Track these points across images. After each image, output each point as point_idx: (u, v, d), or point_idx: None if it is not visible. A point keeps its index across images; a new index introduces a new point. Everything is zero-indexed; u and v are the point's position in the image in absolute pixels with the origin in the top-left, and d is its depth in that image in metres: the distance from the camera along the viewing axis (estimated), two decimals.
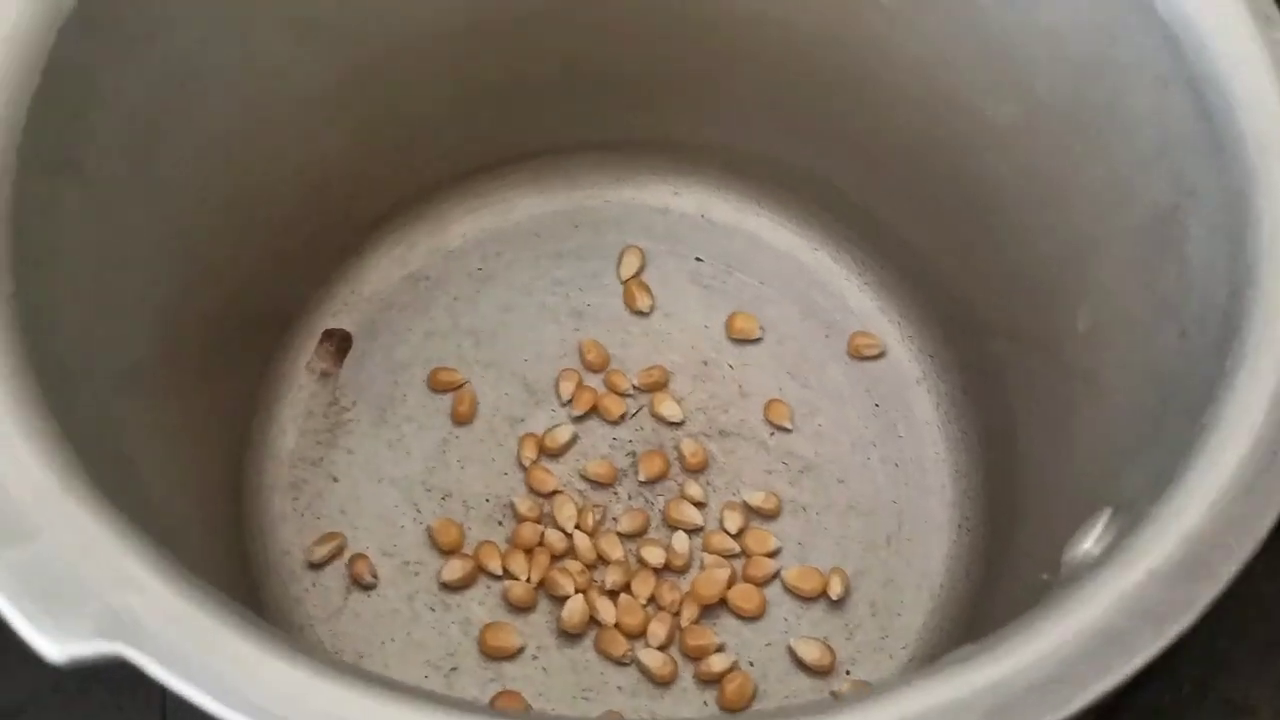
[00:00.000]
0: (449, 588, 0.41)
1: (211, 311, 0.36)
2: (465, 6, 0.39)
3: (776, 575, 0.42)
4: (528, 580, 0.41)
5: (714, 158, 0.47)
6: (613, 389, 0.45)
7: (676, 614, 0.41)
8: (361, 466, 0.43)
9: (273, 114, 0.37)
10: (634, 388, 0.45)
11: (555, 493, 0.42)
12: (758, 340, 0.46)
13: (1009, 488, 0.40)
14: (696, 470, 0.43)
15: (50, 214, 0.27)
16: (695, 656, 0.40)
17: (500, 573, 0.41)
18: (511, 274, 0.47)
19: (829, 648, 0.40)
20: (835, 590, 0.41)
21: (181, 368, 0.34)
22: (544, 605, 0.41)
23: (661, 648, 0.40)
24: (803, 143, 0.45)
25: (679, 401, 0.44)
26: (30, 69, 0.27)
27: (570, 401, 0.44)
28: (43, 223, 0.27)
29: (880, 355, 0.46)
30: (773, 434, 0.44)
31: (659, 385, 0.45)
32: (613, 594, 0.41)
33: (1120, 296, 0.33)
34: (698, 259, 0.48)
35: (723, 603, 0.41)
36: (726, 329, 0.46)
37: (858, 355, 0.46)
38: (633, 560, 0.41)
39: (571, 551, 0.41)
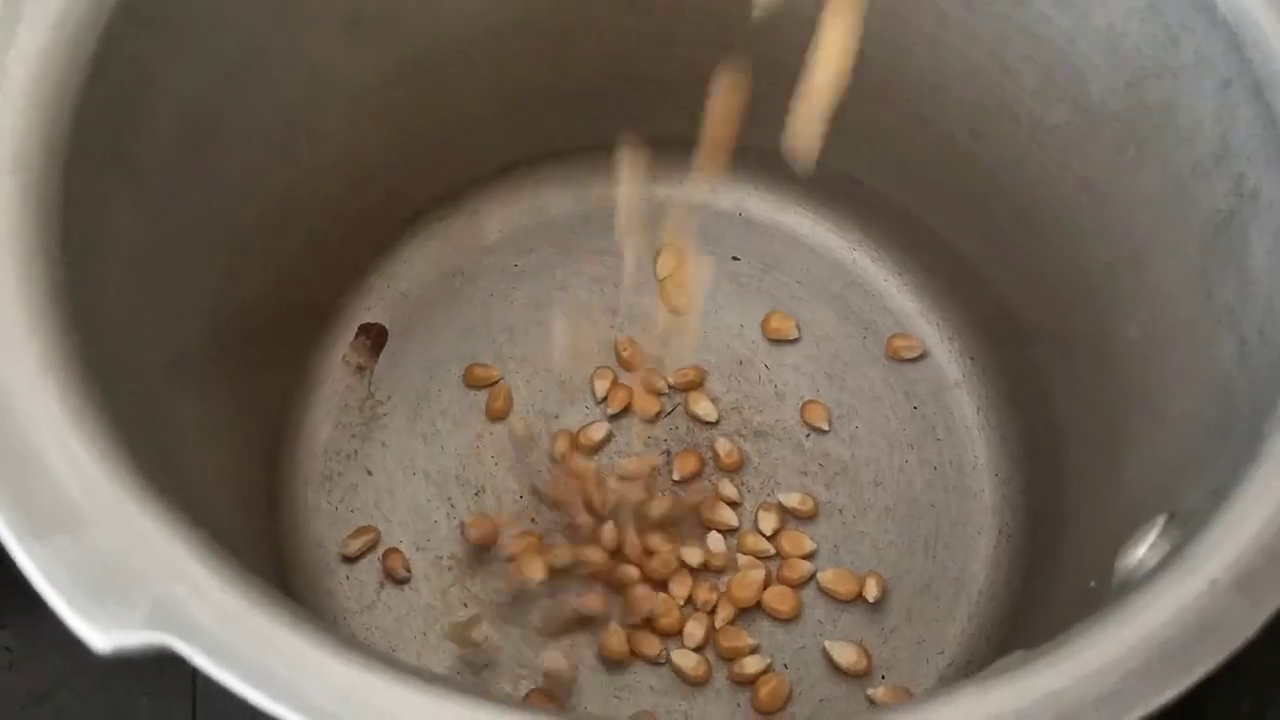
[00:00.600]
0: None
1: (253, 304, 0.36)
2: (509, 5, 0.39)
3: (812, 578, 0.41)
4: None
5: (752, 156, 0.47)
6: (648, 388, 0.44)
7: (712, 613, 0.40)
8: (396, 460, 0.43)
9: (319, 109, 0.36)
10: (669, 386, 0.45)
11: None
12: (794, 341, 0.46)
13: (1054, 494, 0.40)
14: (731, 470, 0.43)
15: (100, 205, 0.27)
16: (729, 658, 0.40)
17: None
18: (547, 271, 0.47)
19: (865, 651, 0.40)
20: (871, 593, 0.41)
21: (224, 359, 0.34)
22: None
23: (697, 649, 0.40)
24: (843, 143, 0.44)
25: (714, 401, 0.44)
26: (77, 59, 0.27)
27: (605, 399, 0.44)
28: (92, 214, 0.27)
29: (920, 357, 0.45)
30: (809, 435, 0.44)
31: (694, 385, 0.45)
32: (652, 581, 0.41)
33: (1176, 304, 0.32)
34: (735, 258, 0.47)
35: (757, 605, 0.41)
36: (763, 329, 0.46)
37: (896, 357, 0.45)
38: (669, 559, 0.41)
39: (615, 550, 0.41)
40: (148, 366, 0.29)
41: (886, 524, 0.42)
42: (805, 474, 0.43)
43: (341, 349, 0.45)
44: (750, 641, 0.40)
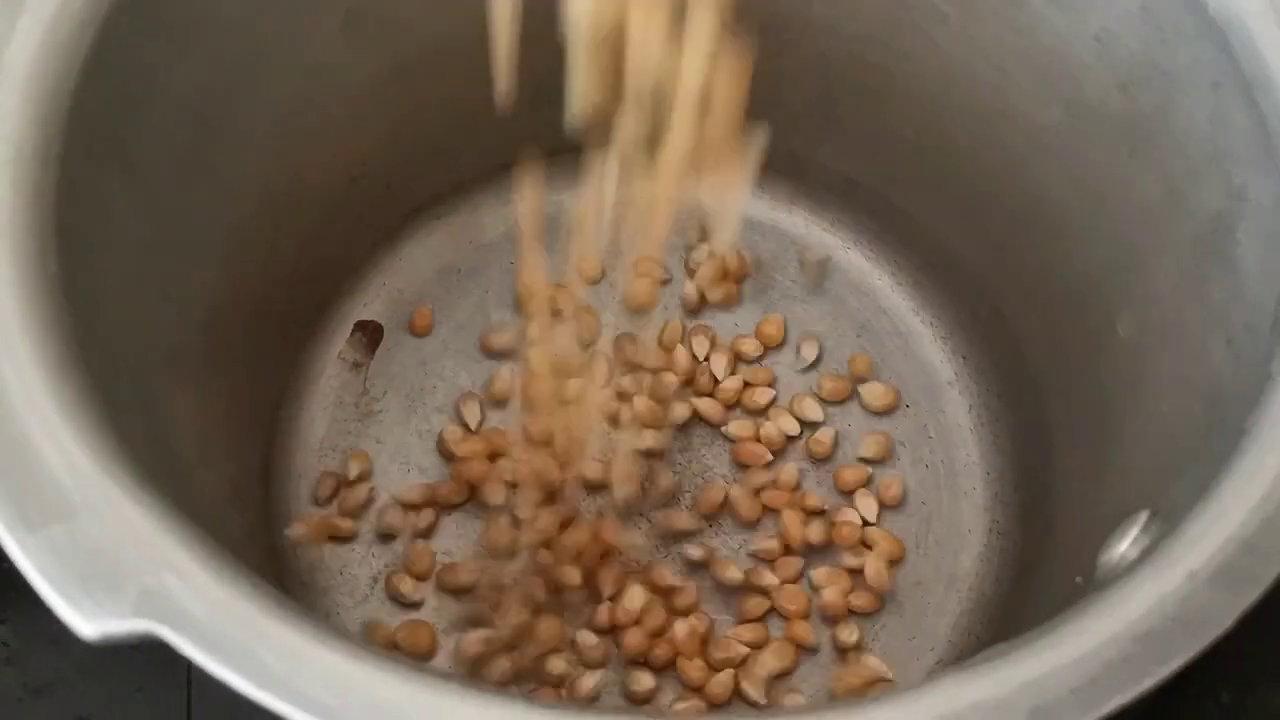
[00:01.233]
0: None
1: (249, 299, 0.37)
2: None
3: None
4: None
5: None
6: (653, 394, 0.44)
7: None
8: (390, 456, 0.43)
9: (318, 106, 0.37)
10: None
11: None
12: (786, 339, 0.46)
13: (1042, 492, 0.40)
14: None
15: (97, 200, 0.28)
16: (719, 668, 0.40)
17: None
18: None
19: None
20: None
21: (220, 355, 0.35)
22: None
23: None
24: (841, 145, 0.45)
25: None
26: (75, 53, 0.27)
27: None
28: (89, 208, 0.27)
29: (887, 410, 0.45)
30: (801, 432, 0.44)
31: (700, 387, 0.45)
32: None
33: (1167, 304, 0.33)
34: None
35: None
36: (755, 328, 0.46)
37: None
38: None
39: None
40: (144, 361, 0.29)
41: (877, 522, 0.42)
42: (798, 471, 0.43)
43: (337, 345, 0.45)
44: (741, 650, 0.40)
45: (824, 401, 0.44)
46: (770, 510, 0.42)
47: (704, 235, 0.46)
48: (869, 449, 0.43)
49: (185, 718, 0.40)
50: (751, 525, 0.42)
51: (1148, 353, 0.34)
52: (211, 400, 0.35)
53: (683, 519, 0.41)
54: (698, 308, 0.46)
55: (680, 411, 0.43)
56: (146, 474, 0.24)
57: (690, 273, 0.46)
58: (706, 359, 0.44)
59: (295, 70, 0.35)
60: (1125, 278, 0.35)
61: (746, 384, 0.44)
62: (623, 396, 0.43)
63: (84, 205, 0.27)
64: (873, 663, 0.39)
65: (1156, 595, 0.22)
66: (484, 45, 0.40)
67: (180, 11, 0.31)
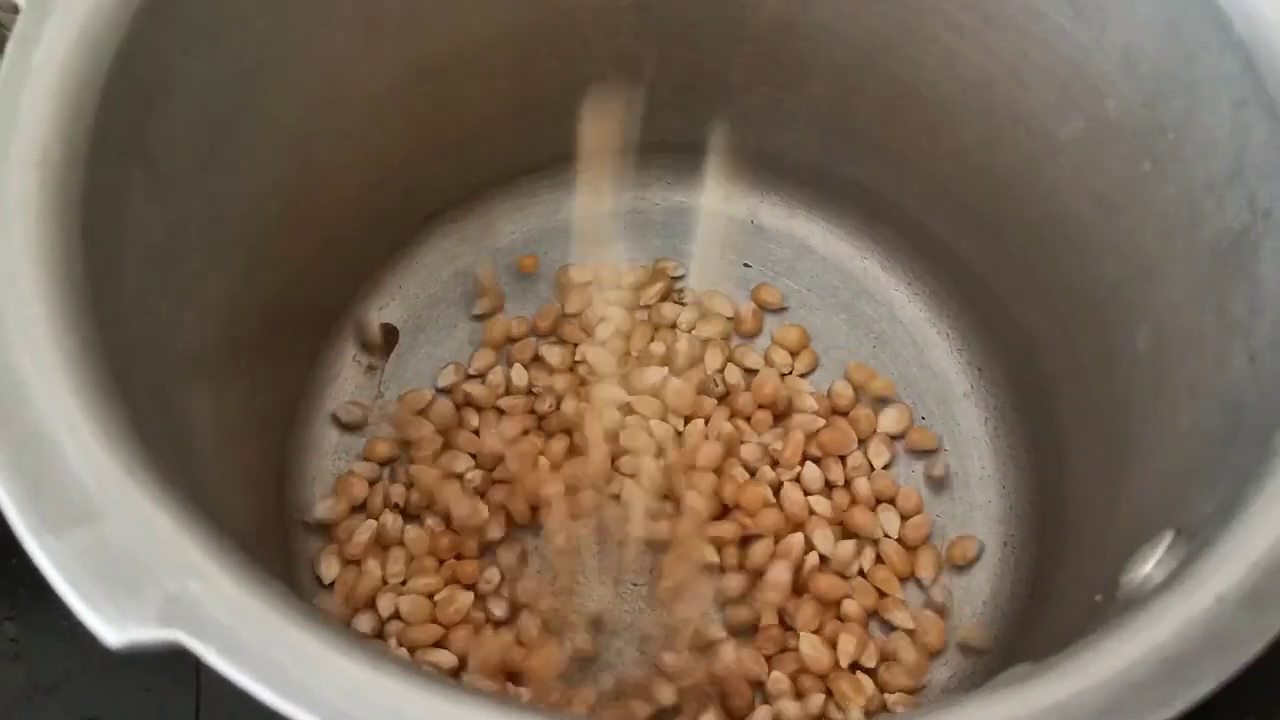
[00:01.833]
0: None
1: (267, 300, 0.36)
2: (529, 11, 0.39)
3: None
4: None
5: (766, 163, 0.47)
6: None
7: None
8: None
9: (336, 108, 0.37)
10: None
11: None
12: (804, 348, 0.46)
13: (1059, 506, 0.40)
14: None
15: (120, 201, 0.27)
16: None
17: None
18: (558, 274, 0.47)
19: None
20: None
21: (237, 356, 0.34)
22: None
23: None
24: (858, 153, 0.44)
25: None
26: (103, 54, 0.27)
27: None
28: (112, 209, 0.27)
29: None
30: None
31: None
32: None
33: (1187, 318, 0.32)
34: (745, 264, 0.47)
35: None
36: (772, 339, 0.46)
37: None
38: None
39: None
40: (164, 362, 0.29)
41: None
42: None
43: (353, 348, 0.45)
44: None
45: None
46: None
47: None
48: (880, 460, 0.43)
49: (194, 717, 0.40)
50: None
51: (1164, 366, 0.34)
52: (229, 401, 0.35)
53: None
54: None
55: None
56: (167, 476, 0.24)
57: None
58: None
59: (316, 74, 0.35)
60: (1142, 290, 0.35)
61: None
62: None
63: (107, 207, 0.27)
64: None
65: (1184, 618, 0.22)
66: (501, 51, 0.40)
67: (204, 13, 0.31)
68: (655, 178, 0.48)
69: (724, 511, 0.41)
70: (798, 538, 0.41)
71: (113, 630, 0.21)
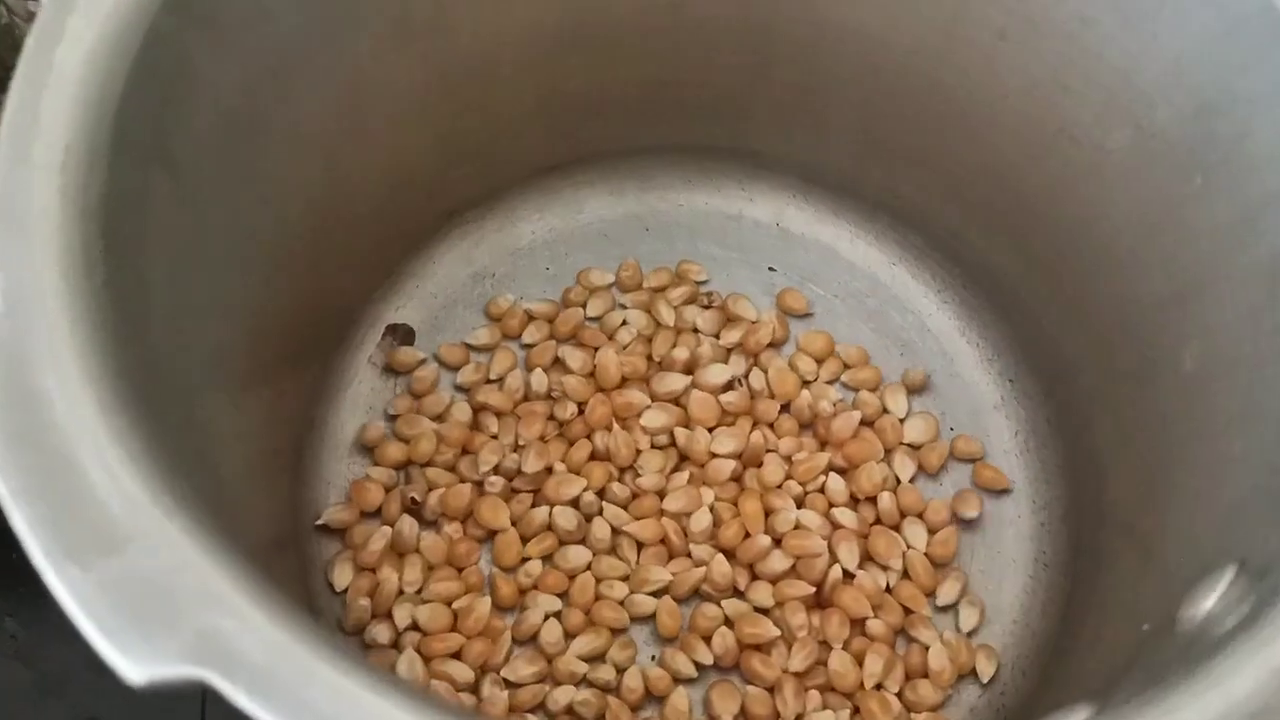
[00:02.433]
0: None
1: (289, 303, 0.35)
2: (557, 13, 0.38)
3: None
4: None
5: (793, 167, 0.46)
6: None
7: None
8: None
9: (361, 111, 0.36)
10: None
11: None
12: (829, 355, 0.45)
13: (1094, 526, 0.39)
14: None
15: (141, 204, 0.26)
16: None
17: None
18: (580, 275, 0.46)
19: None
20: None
21: (258, 357, 0.33)
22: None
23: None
24: (889, 160, 0.43)
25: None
26: (125, 54, 0.26)
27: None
28: (134, 212, 0.26)
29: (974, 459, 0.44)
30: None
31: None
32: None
33: (1237, 338, 0.31)
34: (770, 269, 0.46)
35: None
36: (797, 345, 0.45)
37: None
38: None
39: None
40: (185, 369, 0.28)
41: None
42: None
43: (369, 349, 0.44)
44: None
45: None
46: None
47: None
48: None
49: (199, 715, 0.39)
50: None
51: (1212, 387, 0.33)
52: (248, 407, 0.34)
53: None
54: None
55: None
56: (190, 494, 0.23)
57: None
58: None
59: (341, 76, 0.34)
60: (1189, 308, 0.34)
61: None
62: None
63: (129, 212, 0.26)
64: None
65: (1268, 667, 0.21)
66: (527, 51, 0.39)
67: (227, 13, 0.29)
68: (681, 179, 0.47)
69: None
70: (822, 552, 0.40)
71: (136, 668, 0.20)
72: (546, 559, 0.40)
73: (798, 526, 0.40)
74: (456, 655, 0.38)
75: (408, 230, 0.44)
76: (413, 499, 0.41)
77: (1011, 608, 0.41)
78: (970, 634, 0.40)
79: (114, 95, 0.25)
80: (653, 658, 0.39)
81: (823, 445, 0.42)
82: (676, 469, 0.42)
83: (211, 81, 0.29)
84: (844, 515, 0.41)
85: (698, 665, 0.39)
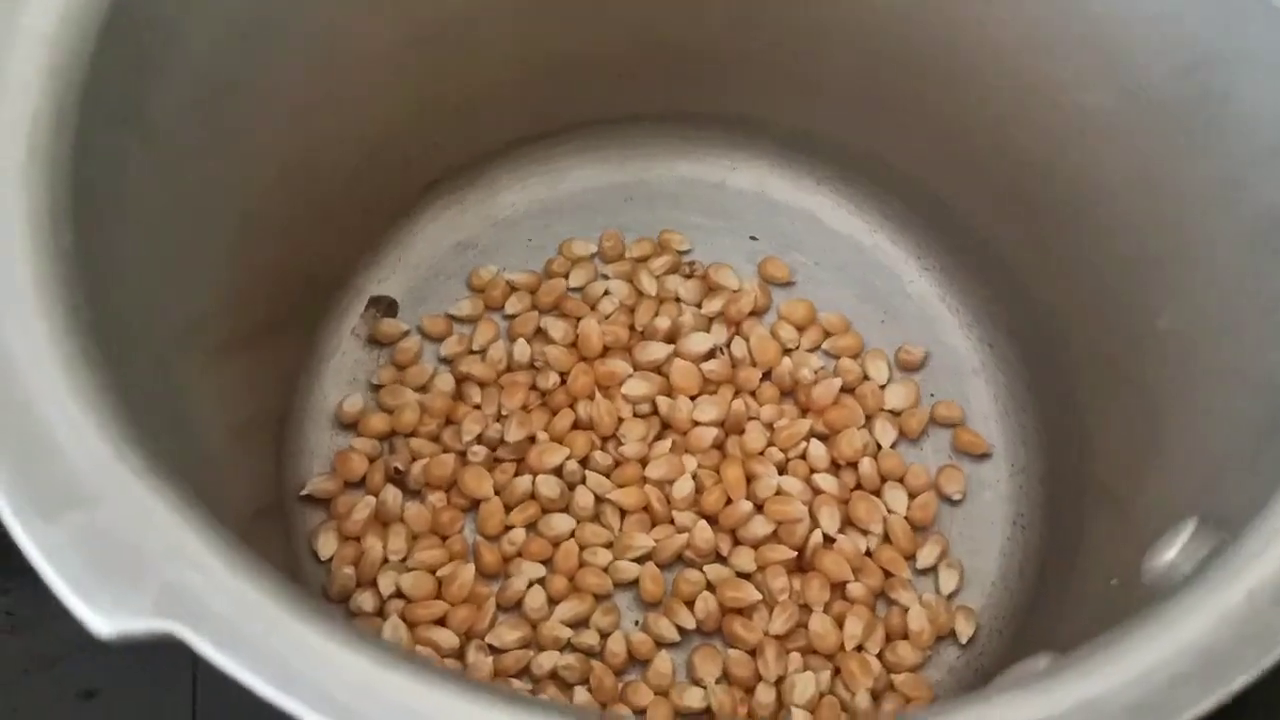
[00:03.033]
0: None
1: (266, 272, 0.36)
2: None
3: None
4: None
5: (774, 134, 0.46)
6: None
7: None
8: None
9: (337, 73, 0.35)
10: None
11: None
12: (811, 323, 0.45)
13: (1075, 488, 0.39)
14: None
15: (113, 168, 0.26)
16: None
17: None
18: (562, 245, 0.46)
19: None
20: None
21: (236, 328, 0.34)
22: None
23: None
24: (873, 124, 0.43)
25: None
26: (93, 15, 0.26)
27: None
28: (106, 175, 0.26)
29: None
30: None
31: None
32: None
33: (1222, 300, 0.31)
34: (753, 237, 0.46)
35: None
36: (779, 313, 0.45)
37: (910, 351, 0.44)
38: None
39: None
40: (159, 334, 0.28)
41: None
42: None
43: (352, 320, 0.44)
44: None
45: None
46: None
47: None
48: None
49: (190, 690, 0.39)
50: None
51: (1194, 347, 0.33)
52: (227, 375, 0.34)
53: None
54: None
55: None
56: (163, 456, 0.23)
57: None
58: None
59: (314, 36, 0.34)
60: (1174, 270, 0.34)
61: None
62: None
63: (100, 175, 0.26)
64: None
65: (1217, 612, 0.22)
66: (504, 13, 0.39)
67: None
68: (663, 148, 0.47)
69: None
70: (803, 517, 0.40)
71: (104, 620, 0.20)
72: (530, 527, 0.40)
73: (779, 492, 0.40)
74: (441, 622, 0.39)
75: (389, 201, 0.44)
76: (396, 469, 0.41)
77: (990, 569, 0.41)
78: (950, 596, 0.40)
79: (85, 58, 0.26)
80: (636, 623, 0.40)
81: (804, 412, 0.42)
82: (659, 437, 0.42)
83: (185, 44, 0.29)
84: (825, 481, 0.41)
85: (681, 630, 0.39)
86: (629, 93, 0.44)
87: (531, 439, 0.41)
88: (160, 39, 0.28)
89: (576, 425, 0.42)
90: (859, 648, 0.38)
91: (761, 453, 0.41)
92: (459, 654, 0.38)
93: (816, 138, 0.45)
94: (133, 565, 0.21)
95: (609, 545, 0.40)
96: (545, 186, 0.47)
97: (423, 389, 0.43)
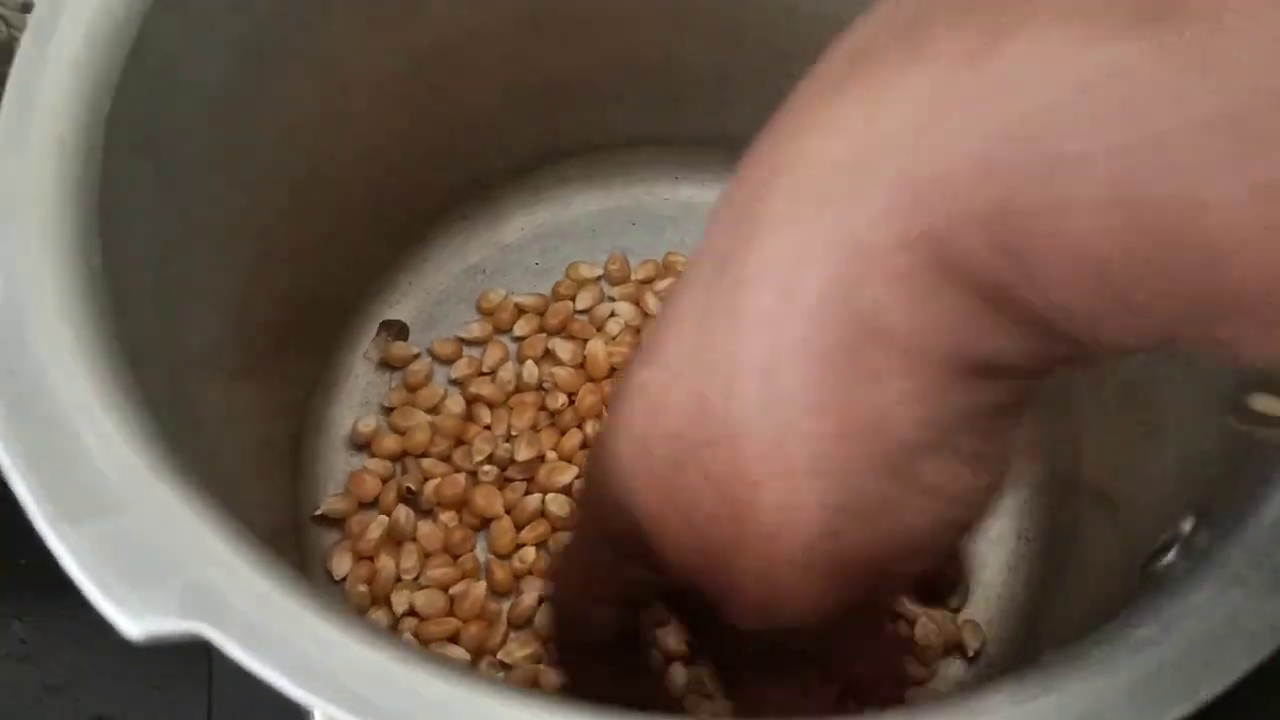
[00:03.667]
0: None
1: (279, 295, 0.36)
2: None
3: None
4: None
5: None
6: None
7: None
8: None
9: (338, 99, 0.36)
10: None
11: None
12: None
13: (1071, 496, 0.39)
14: None
15: (132, 195, 0.27)
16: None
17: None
18: (569, 269, 0.47)
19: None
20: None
21: (248, 352, 0.34)
22: None
23: None
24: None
25: None
26: (120, 44, 0.27)
27: None
28: (125, 203, 0.27)
29: None
30: None
31: None
32: None
33: None
34: None
35: None
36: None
37: None
38: None
39: None
40: (177, 358, 0.29)
41: None
42: None
43: (364, 344, 0.45)
44: None
45: None
46: None
47: None
48: None
49: (205, 716, 0.40)
50: None
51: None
52: (241, 398, 0.35)
53: None
54: None
55: None
56: (187, 469, 0.24)
57: None
58: None
59: (318, 62, 0.35)
60: None
61: None
62: None
63: (120, 200, 0.27)
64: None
65: (1209, 603, 0.22)
66: (501, 40, 0.40)
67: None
68: (665, 173, 0.48)
69: None
70: None
71: (133, 622, 0.21)
72: (540, 545, 0.41)
73: None
74: (453, 639, 0.39)
75: (397, 225, 0.44)
76: (409, 489, 0.41)
77: (995, 582, 0.41)
78: (956, 610, 0.41)
79: (110, 86, 0.26)
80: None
81: None
82: None
83: (196, 70, 0.30)
84: None
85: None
86: (625, 116, 0.45)
87: (541, 458, 0.42)
88: (174, 64, 0.29)
89: (585, 444, 0.42)
90: None
91: None
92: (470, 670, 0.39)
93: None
94: (158, 568, 0.21)
95: None
96: (551, 211, 0.48)
97: (434, 410, 0.43)
